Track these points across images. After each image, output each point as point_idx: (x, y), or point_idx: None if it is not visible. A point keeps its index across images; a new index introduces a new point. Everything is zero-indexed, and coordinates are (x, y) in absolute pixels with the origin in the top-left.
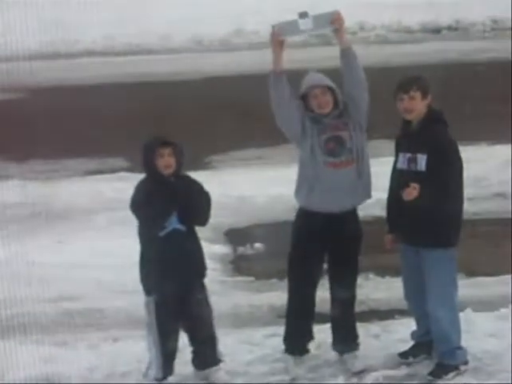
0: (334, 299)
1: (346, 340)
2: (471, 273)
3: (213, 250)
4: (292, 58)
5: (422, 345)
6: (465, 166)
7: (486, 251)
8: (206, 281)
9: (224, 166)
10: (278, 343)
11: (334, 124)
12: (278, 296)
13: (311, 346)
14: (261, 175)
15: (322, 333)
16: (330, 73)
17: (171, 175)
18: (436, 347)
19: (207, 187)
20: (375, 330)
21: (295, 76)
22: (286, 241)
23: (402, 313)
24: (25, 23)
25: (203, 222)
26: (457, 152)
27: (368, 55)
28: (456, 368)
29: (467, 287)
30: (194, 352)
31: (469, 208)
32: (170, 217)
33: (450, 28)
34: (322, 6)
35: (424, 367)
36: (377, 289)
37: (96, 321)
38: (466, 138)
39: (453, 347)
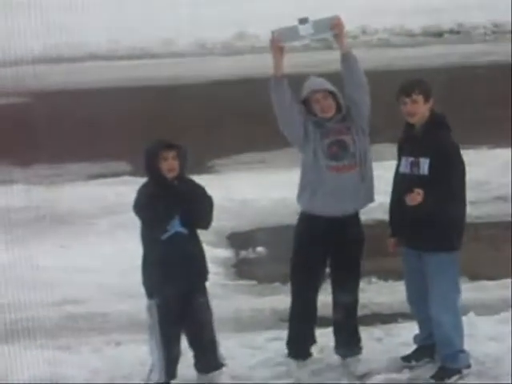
0: (336, 303)
1: (348, 344)
2: (474, 276)
3: (215, 253)
4: (293, 63)
5: (425, 348)
6: (466, 169)
7: (487, 255)
8: (208, 284)
9: (227, 169)
10: (281, 347)
11: (337, 128)
12: (280, 300)
13: (314, 349)
14: (263, 179)
15: (325, 336)
16: (332, 76)
17: (174, 179)
18: (439, 351)
19: (210, 191)
20: (378, 333)
21: (296, 80)
22: (288, 245)
23: (404, 316)
24: (29, 27)
25: (206, 225)
26: (459, 156)
27: (370, 59)
28: (459, 371)
29: (470, 291)
30: (196, 356)
31: (471, 211)
32: (172, 220)
33: (451, 31)
34: (326, 9)
35: (427, 371)
36: (379, 292)
37: (99, 325)
38: (466, 142)
39: (455, 351)
